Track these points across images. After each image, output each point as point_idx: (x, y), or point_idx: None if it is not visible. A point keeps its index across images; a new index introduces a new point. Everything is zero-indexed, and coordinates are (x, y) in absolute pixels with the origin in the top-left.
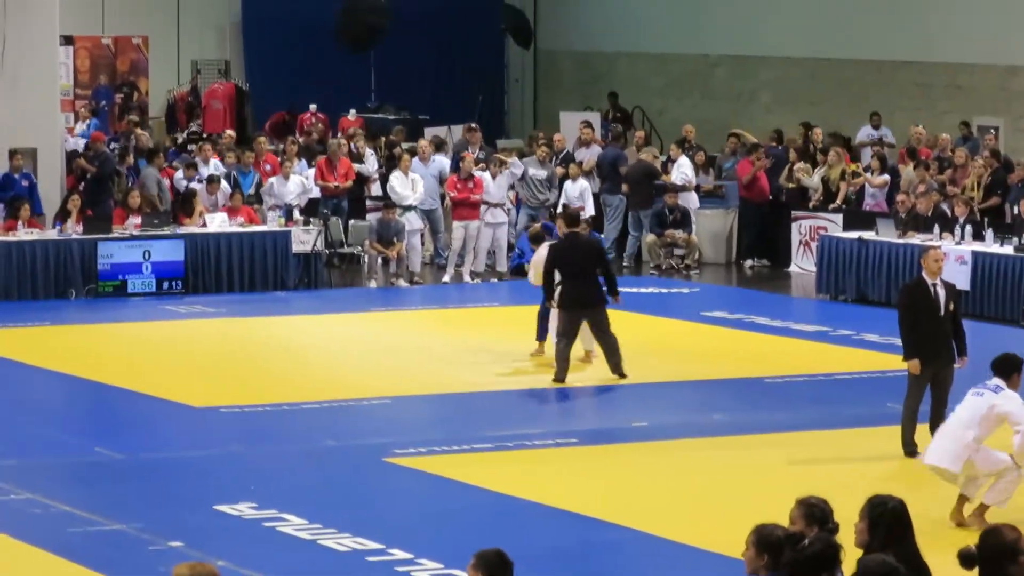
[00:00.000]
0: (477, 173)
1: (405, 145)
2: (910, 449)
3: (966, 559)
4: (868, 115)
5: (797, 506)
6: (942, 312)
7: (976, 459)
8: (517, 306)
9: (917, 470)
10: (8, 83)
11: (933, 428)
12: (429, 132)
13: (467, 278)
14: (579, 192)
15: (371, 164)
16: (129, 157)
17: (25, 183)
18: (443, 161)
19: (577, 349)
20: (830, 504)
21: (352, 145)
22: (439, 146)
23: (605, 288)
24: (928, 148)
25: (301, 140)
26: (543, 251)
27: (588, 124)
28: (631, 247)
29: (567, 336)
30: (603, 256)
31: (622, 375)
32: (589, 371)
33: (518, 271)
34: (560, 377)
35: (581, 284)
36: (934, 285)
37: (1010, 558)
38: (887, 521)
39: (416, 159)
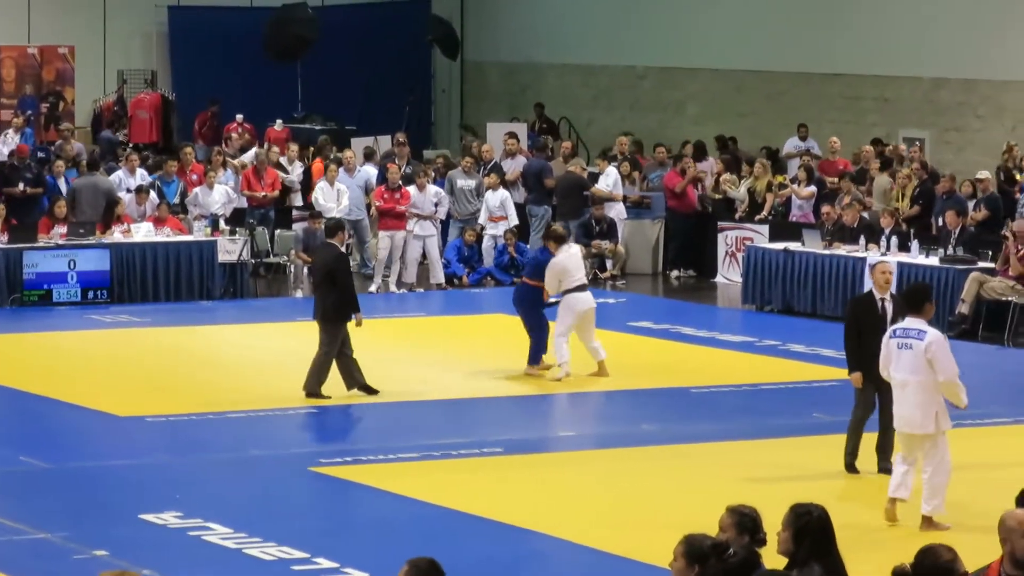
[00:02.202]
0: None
1: (330, 156)
2: (850, 461)
3: None
4: (794, 127)
5: (728, 513)
6: (888, 326)
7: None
8: (445, 316)
9: (842, 480)
10: None
11: (879, 446)
12: (356, 142)
13: (393, 288)
14: (499, 202)
15: (296, 174)
16: (58, 165)
17: None
18: (370, 171)
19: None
20: (759, 514)
21: (279, 157)
22: (369, 156)
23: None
24: (846, 160)
25: (227, 149)
26: (563, 256)
27: (513, 135)
28: None
29: None
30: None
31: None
32: (515, 381)
33: (450, 281)
34: None
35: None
36: (882, 300)
37: None
38: (813, 530)
39: (342, 169)
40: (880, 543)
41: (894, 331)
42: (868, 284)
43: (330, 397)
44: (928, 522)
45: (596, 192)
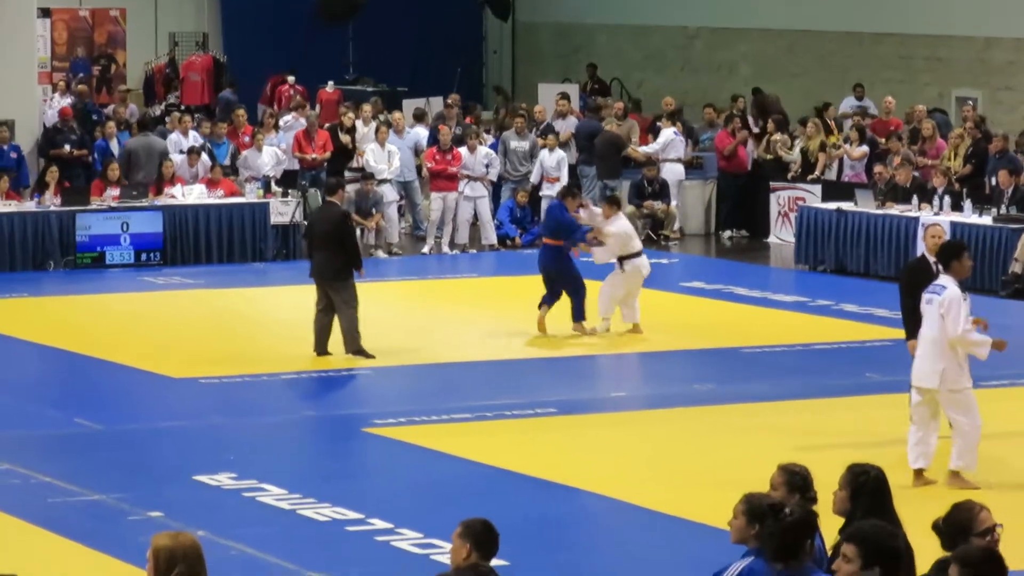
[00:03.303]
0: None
1: (380, 117)
2: None
3: (962, 562)
4: (847, 87)
5: (779, 472)
6: None
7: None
8: (497, 277)
9: (897, 441)
10: None
11: None
12: (407, 104)
13: (446, 249)
14: (556, 162)
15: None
16: (109, 127)
17: (13, 155)
18: (420, 132)
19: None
20: (810, 473)
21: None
22: (419, 117)
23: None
24: (899, 120)
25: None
26: (624, 221)
27: (565, 96)
28: None
29: None
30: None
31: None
32: (568, 341)
33: (503, 243)
34: None
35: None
36: (935, 263)
37: (974, 534)
38: (869, 490)
39: (392, 131)
40: (933, 501)
41: (927, 288)
42: (921, 246)
43: (374, 356)
44: (955, 477)
45: (632, 152)
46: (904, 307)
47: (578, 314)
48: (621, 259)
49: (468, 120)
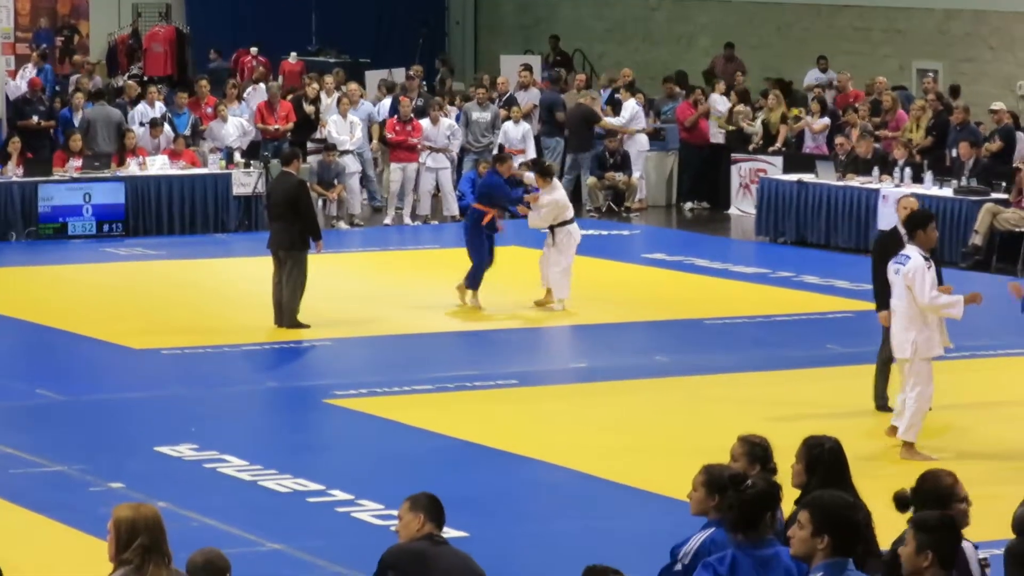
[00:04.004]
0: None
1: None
2: (881, 403)
3: (900, 502)
4: (807, 59)
5: (739, 443)
6: None
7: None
8: (459, 248)
9: (857, 413)
10: None
11: None
12: (371, 75)
13: (407, 220)
14: (521, 134)
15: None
16: (77, 98)
17: None
18: (369, 105)
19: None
20: (770, 444)
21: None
22: (391, 88)
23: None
24: (860, 92)
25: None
26: (560, 192)
27: (527, 67)
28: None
29: None
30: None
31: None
32: (529, 312)
33: (464, 214)
34: None
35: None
36: (905, 235)
37: (946, 503)
38: (824, 461)
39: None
40: (894, 472)
41: (893, 259)
42: (882, 216)
43: (309, 326)
44: (908, 448)
45: (604, 124)
46: (876, 278)
47: (470, 280)
48: (552, 227)
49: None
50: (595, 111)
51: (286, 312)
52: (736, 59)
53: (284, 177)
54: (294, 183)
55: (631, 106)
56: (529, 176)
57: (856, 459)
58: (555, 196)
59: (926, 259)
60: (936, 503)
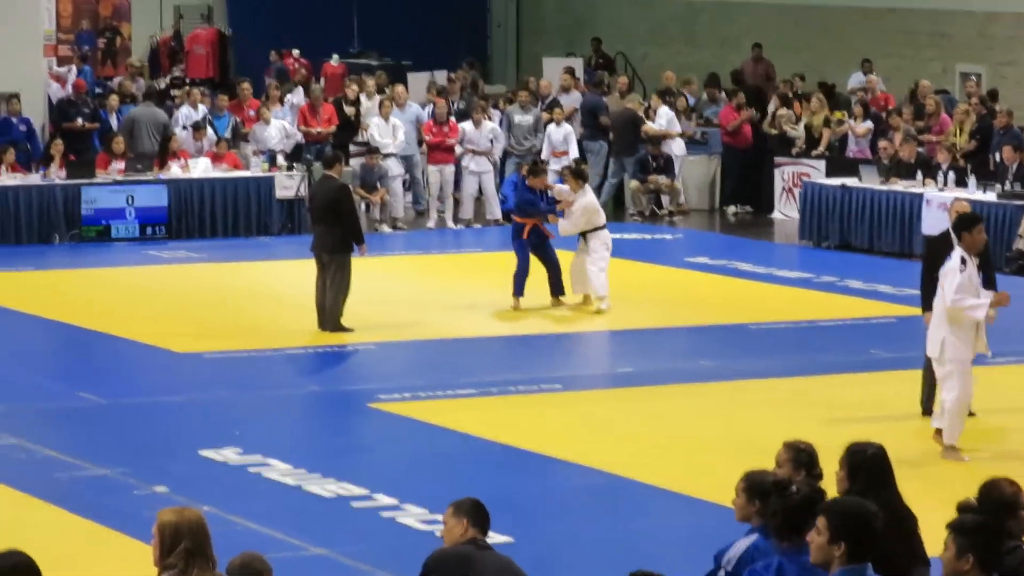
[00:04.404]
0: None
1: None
2: (927, 406)
3: (965, 513)
4: (851, 62)
5: (784, 449)
6: None
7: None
8: (501, 252)
9: (901, 417)
10: None
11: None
12: (412, 77)
13: (450, 224)
14: (563, 136)
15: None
16: (112, 100)
17: (23, 128)
18: (417, 107)
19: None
20: (816, 449)
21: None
22: (440, 92)
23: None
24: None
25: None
26: (591, 196)
27: (570, 70)
28: (606, 193)
29: None
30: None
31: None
32: (573, 317)
33: (507, 217)
34: None
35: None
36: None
37: (1010, 512)
38: (868, 467)
39: (394, 105)
40: (941, 477)
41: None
42: (925, 220)
43: (353, 329)
44: (946, 449)
45: (649, 130)
46: (923, 280)
47: (516, 287)
48: (584, 233)
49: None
50: (640, 115)
51: (329, 316)
52: (764, 60)
53: (326, 180)
54: (336, 186)
55: (664, 112)
56: (560, 188)
57: (902, 463)
58: (586, 200)
59: (963, 261)
60: (1000, 512)
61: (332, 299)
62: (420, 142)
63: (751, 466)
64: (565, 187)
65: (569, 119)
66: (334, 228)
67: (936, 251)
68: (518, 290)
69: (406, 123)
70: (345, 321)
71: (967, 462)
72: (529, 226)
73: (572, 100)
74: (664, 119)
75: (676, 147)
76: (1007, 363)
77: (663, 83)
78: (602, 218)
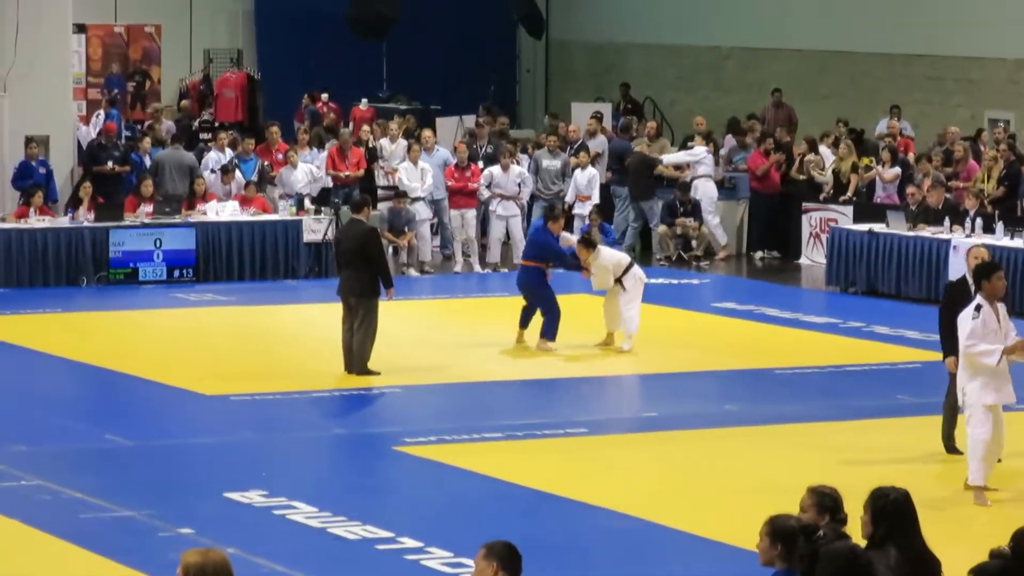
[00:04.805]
0: (492, 166)
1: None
2: (949, 444)
3: (996, 559)
4: (878, 108)
5: (809, 494)
6: None
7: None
8: None
9: (928, 461)
10: (22, 71)
11: None
12: (441, 122)
13: (477, 268)
14: (587, 181)
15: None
16: (145, 144)
17: (42, 171)
18: (446, 151)
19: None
20: (840, 494)
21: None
22: (469, 135)
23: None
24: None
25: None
26: (612, 253)
27: (597, 115)
28: (630, 237)
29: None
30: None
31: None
32: (598, 360)
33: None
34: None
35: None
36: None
37: None
38: (888, 513)
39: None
40: (967, 521)
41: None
42: (952, 266)
43: (379, 373)
44: (975, 491)
45: (663, 170)
46: (942, 326)
47: (547, 332)
48: (618, 280)
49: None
50: (654, 157)
51: (356, 359)
52: (785, 105)
53: (354, 224)
54: (365, 230)
55: (700, 150)
56: (568, 237)
57: (927, 507)
58: (600, 263)
59: (977, 308)
60: None
61: (360, 343)
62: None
63: (776, 510)
64: (573, 237)
65: (594, 163)
66: (362, 272)
67: (954, 296)
68: (552, 334)
69: (434, 167)
70: (372, 365)
71: (989, 506)
72: (545, 268)
73: (598, 144)
74: (698, 152)
75: (707, 189)
76: None
77: (694, 128)
78: (624, 262)
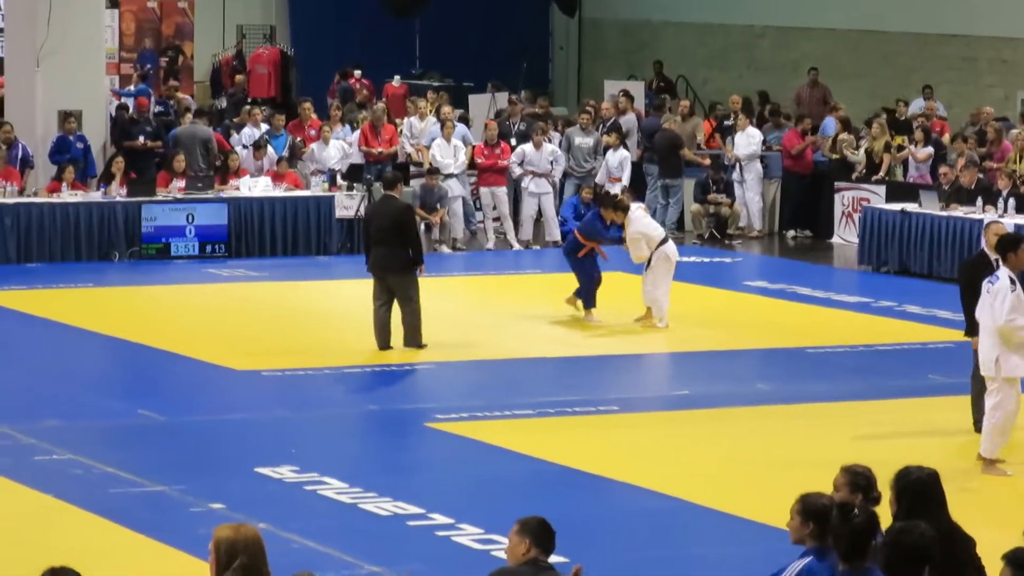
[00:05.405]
0: (524, 144)
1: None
2: (979, 425)
3: (1013, 563)
4: (911, 88)
5: (842, 473)
6: None
7: (1003, 358)
8: (560, 273)
9: (960, 440)
10: (55, 46)
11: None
12: (474, 99)
13: (514, 244)
14: (619, 162)
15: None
16: (184, 119)
17: (80, 145)
18: (463, 128)
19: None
20: (873, 473)
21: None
22: (499, 114)
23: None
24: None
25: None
26: (649, 222)
27: (626, 93)
28: (659, 216)
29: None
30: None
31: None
32: (630, 338)
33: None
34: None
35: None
36: (996, 259)
37: None
38: (911, 491)
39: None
40: (1001, 501)
41: (986, 280)
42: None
43: (426, 345)
44: (987, 463)
45: (687, 155)
46: (965, 304)
47: (579, 293)
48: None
49: (536, 110)
50: (681, 136)
51: (410, 335)
52: (821, 84)
53: (388, 201)
54: (401, 207)
55: (754, 132)
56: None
57: (958, 487)
58: (636, 228)
59: (1012, 281)
60: None
61: (410, 319)
62: (471, 164)
63: (807, 489)
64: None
65: (624, 141)
66: (396, 249)
67: (973, 271)
68: (589, 301)
69: (462, 144)
70: (411, 339)
71: (1011, 475)
72: (587, 249)
73: (627, 122)
74: (754, 138)
75: (754, 169)
76: None
77: (730, 107)
78: (659, 235)
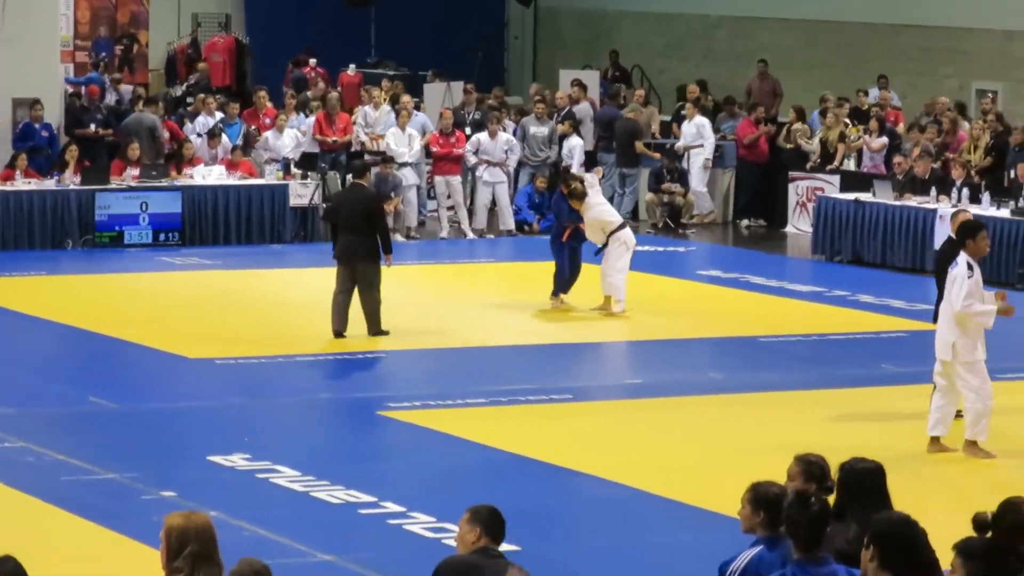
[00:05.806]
0: (475, 133)
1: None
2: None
3: (980, 527)
4: (867, 78)
5: (796, 462)
6: None
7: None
8: (514, 262)
9: (911, 430)
10: (10, 34)
11: None
12: (429, 88)
13: (468, 233)
14: (568, 150)
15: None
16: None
17: (45, 133)
18: (423, 116)
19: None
20: (827, 462)
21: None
22: (479, 103)
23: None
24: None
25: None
26: (605, 209)
27: (578, 82)
28: (615, 204)
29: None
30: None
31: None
32: (584, 327)
33: (520, 228)
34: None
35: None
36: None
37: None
38: (846, 482)
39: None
40: (955, 491)
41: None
42: (938, 236)
43: (388, 332)
44: (971, 447)
45: (639, 148)
46: (938, 291)
47: (556, 285)
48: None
49: (491, 100)
50: (640, 126)
51: (371, 322)
52: (770, 76)
53: (357, 189)
54: (370, 196)
55: (696, 123)
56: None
57: (912, 475)
58: (592, 214)
59: (970, 267)
60: (1014, 534)
61: (372, 306)
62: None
63: (761, 477)
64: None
65: (578, 130)
66: (366, 237)
67: (946, 259)
68: (559, 289)
69: (417, 133)
70: (372, 327)
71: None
72: (570, 230)
73: (581, 111)
74: (694, 130)
75: (698, 159)
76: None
77: (688, 96)
78: (615, 221)
